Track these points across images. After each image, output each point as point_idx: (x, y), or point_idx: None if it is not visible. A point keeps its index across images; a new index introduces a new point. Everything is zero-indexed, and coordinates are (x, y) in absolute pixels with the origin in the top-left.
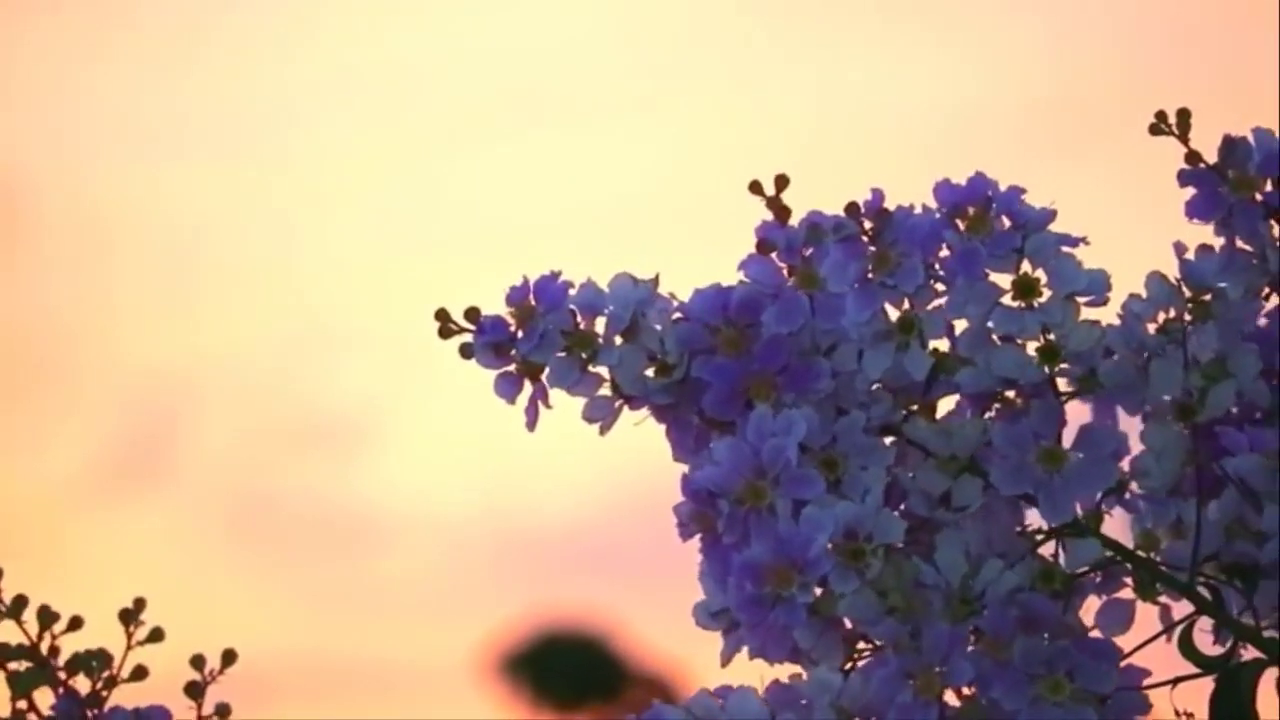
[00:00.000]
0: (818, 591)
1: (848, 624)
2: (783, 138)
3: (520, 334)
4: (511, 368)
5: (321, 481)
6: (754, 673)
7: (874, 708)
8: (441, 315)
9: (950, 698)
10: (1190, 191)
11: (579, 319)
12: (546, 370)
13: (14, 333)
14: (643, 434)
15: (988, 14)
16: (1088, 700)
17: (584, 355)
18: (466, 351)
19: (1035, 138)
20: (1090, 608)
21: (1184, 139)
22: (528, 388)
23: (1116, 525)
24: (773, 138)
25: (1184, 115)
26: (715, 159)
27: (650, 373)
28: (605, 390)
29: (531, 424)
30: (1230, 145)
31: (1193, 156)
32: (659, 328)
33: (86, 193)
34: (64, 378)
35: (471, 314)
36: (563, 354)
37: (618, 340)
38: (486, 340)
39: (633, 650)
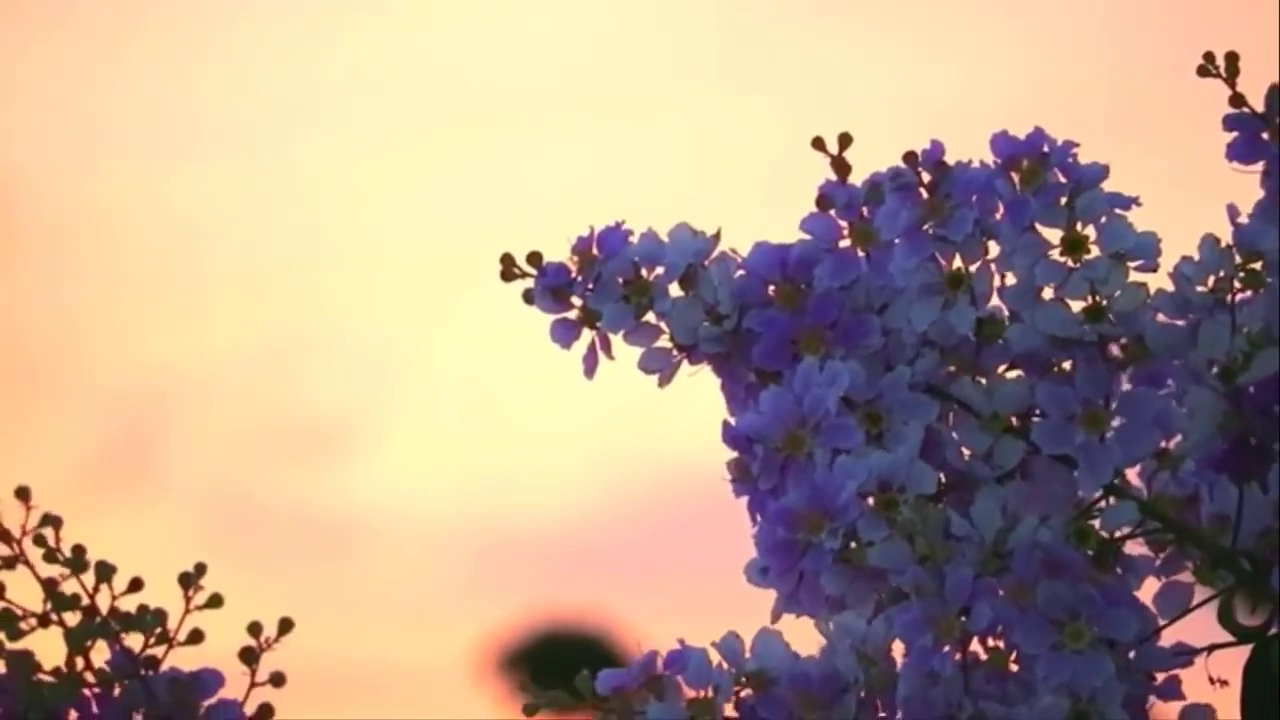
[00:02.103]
0: (850, 540)
1: (882, 577)
2: (788, 137)
3: (580, 279)
4: (571, 314)
5: (311, 485)
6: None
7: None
8: (506, 259)
9: (979, 651)
10: (1233, 135)
11: (641, 268)
12: (603, 317)
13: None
14: (638, 434)
15: (992, 12)
16: (1109, 650)
17: (641, 303)
18: (528, 296)
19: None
20: (1149, 591)
21: (1231, 82)
22: (585, 336)
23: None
24: (779, 137)
25: (1232, 59)
26: (717, 159)
27: (706, 324)
28: (663, 342)
29: (590, 371)
30: (1275, 94)
31: (1237, 99)
32: (717, 281)
33: (71, 196)
34: (51, 382)
35: (534, 259)
36: (619, 300)
37: (674, 289)
38: (546, 284)
39: (632, 649)
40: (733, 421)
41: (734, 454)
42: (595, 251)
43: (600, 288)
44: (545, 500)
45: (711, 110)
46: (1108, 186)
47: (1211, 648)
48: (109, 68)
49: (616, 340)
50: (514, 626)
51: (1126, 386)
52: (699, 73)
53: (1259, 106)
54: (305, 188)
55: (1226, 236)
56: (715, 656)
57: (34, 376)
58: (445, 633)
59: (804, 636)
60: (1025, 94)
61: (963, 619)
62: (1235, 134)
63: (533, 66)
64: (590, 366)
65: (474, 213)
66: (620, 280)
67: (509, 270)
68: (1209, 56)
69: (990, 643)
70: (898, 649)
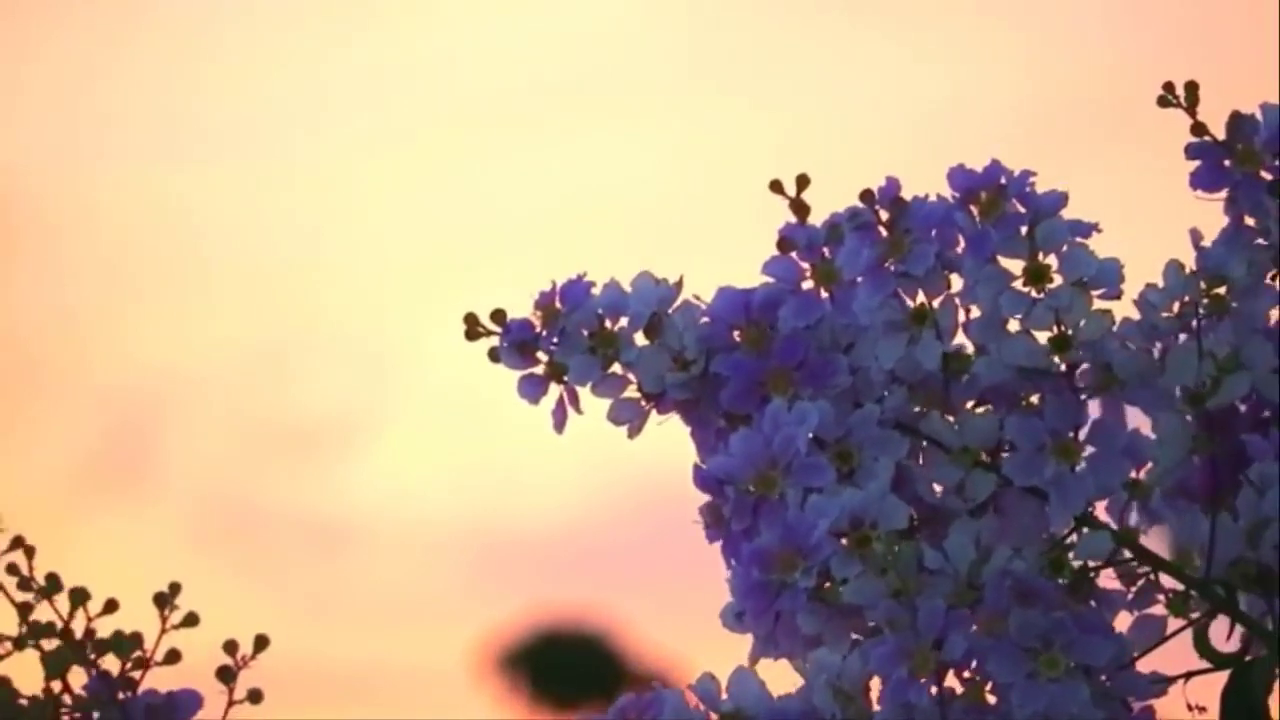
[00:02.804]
0: (823, 579)
1: (857, 614)
2: (790, 139)
3: (544, 334)
4: (537, 369)
5: (310, 485)
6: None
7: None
8: (469, 319)
9: (955, 684)
10: (1196, 164)
11: (604, 319)
12: (569, 370)
13: None
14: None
15: (983, 16)
16: (1084, 677)
17: (606, 354)
18: (494, 355)
19: (1046, 137)
20: (1123, 623)
21: (1191, 111)
22: (554, 390)
23: (1152, 544)
24: (782, 138)
25: (1192, 88)
26: (722, 159)
27: (672, 371)
28: (631, 392)
29: (559, 426)
30: (1237, 120)
31: (1199, 128)
32: (682, 328)
33: (65, 196)
34: (47, 381)
35: (498, 316)
36: (586, 353)
37: (639, 338)
38: (512, 341)
39: (630, 648)
40: (703, 466)
41: (705, 499)
42: (558, 304)
43: (565, 341)
44: (544, 500)
45: (705, 112)
46: (1100, 194)
47: (1188, 675)
48: (108, 68)
49: (584, 392)
50: (513, 627)
51: (1096, 414)
52: (696, 74)
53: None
54: (301, 188)
55: (1189, 260)
56: (692, 698)
57: (30, 376)
58: (444, 633)
59: (783, 678)
60: (1013, 98)
61: (937, 651)
62: (1198, 163)
63: (531, 68)
64: (560, 421)
65: (472, 213)
66: (585, 332)
67: (473, 329)
68: (1168, 87)
69: (966, 674)
70: (875, 684)
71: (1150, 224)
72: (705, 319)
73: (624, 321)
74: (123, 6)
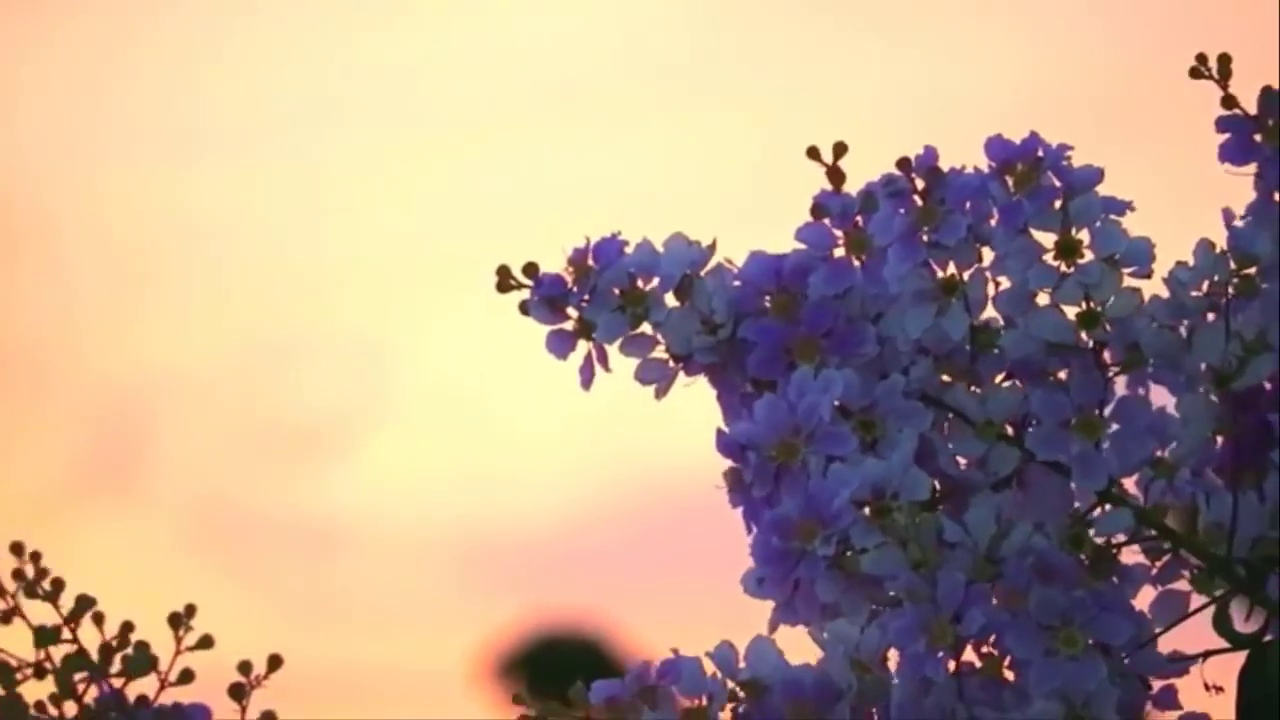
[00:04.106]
0: (841, 548)
1: (876, 584)
2: (783, 140)
3: (575, 290)
4: (567, 325)
5: (306, 489)
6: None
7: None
8: (502, 271)
9: (974, 658)
10: (1225, 137)
11: (636, 279)
12: (598, 327)
13: None
14: (627, 436)
15: (983, 13)
16: (1102, 655)
17: (635, 314)
18: (524, 308)
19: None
20: (1145, 599)
21: (1223, 84)
22: (581, 347)
23: (1179, 521)
24: (775, 139)
25: (1224, 60)
26: (708, 163)
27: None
28: (659, 352)
29: (586, 383)
30: (1269, 95)
31: (1229, 100)
32: (712, 291)
33: (59, 199)
34: (41, 384)
35: (530, 269)
36: (615, 311)
37: (669, 299)
38: (542, 295)
39: (627, 651)
40: (727, 430)
41: (729, 464)
42: (590, 262)
43: (596, 298)
44: (540, 503)
45: (697, 114)
46: (1102, 190)
47: (1207, 654)
48: (108, 69)
49: (613, 352)
50: (511, 631)
51: (1123, 392)
52: (689, 76)
53: (1251, 108)
54: (296, 190)
55: (1221, 241)
56: (709, 666)
57: (27, 376)
58: (441, 636)
59: (802, 647)
60: (1017, 97)
61: (956, 625)
62: (1227, 135)
63: (525, 71)
64: (587, 378)
65: (464, 215)
66: (616, 291)
67: (504, 281)
68: (1201, 58)
69: (984, 649)
70: (892, 657)
71: (1152, 224)
72: (736, 283)
73: (655, 282)
74: (122, 7)
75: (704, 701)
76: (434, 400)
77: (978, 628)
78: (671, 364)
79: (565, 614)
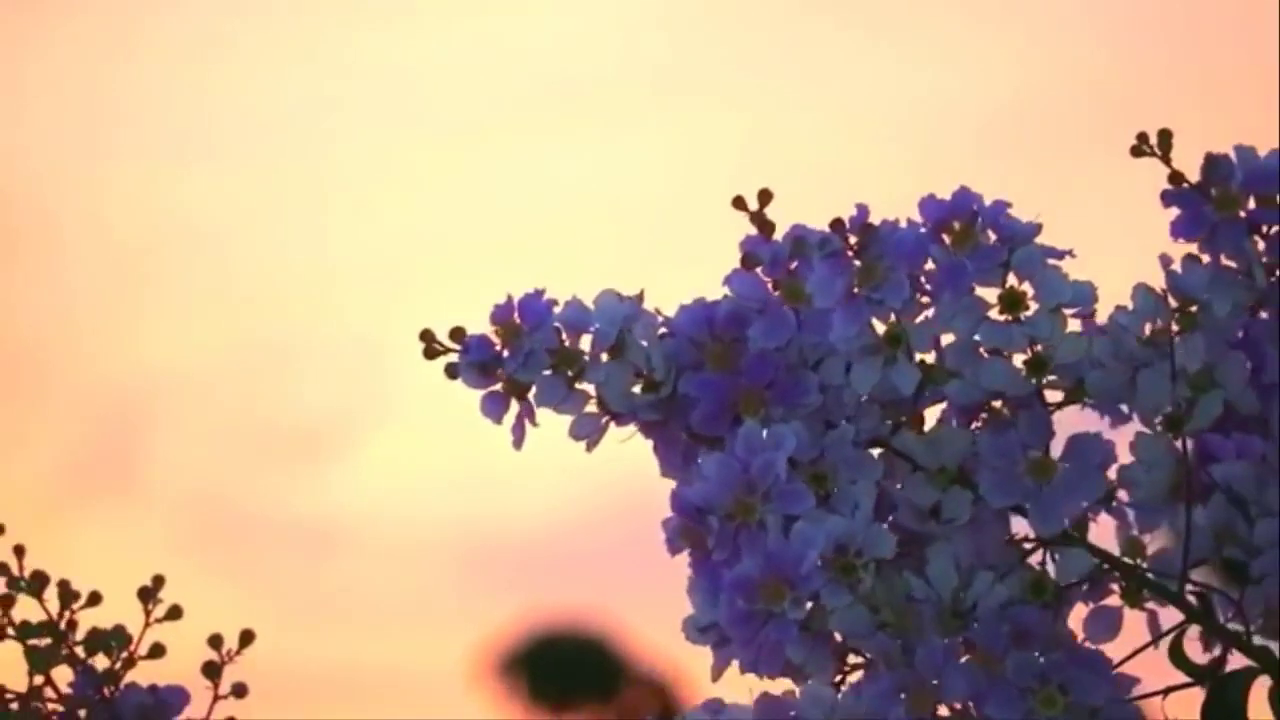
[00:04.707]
0: (809, 607)
1: (838, 638)
2: (768, 146)
3: (506, 353)
4: (498, 387)
5: (306, 490)
6: (744, 684)
7: None
8: (426, 336)
9: (944, 712)
10: (1175, 212)
11: (564, 337)
12: (533, 389)
13: None
14: (627, 435)
15: (974, 17)
16: (1081, 713)
17: (570, 373)
18: (452, 371)
19: (1025, 139)
20: (1078, 616)
21: (1166, 159)
22: (514, 406)
23: (1102, 531)
24: (774, 141)
25: (1165, 136)
26: (703, 164)
27: (637, 389)
28: (591, 407)
29: (518, 442)
30: (1213, 163)
31: (1176, 177)
32: (645, 344)
33: (56, 200)
34: (38, 384)
35: (456, 334)
36: (549, 372)
37: (604, 358)
38: (472, 360)
39: (628, 650)
40: (679, 490)
41: (669, 515)
42: (518, 321)
43: (528, 360)
44: (538, 503)
45: (685, 116)
46: (1094, 188)
47: (1168, 690)
48: (109, 70)
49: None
50: (510, 631)
51: (1071, 429)
52: (677, 79)
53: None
54: (296, 191)
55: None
56: None
57: (24, 375)
58: (440, 636)
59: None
60: (1008, 98)
61: (934, 688)
62: (1177, 212)
63: (524, 71)
64: (519, 437)
65: (464, 215)
66: (547, 351)
67: (430, 347)
68: (1142, 136)
69: (957, 706)
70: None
71: (1137, 221)
72: (664, 330)
73: (585, 340)
74: (123, 7)
75: None
76: (434, 400)
77: (960, 693)
78: (604, 419)
79: (565, 614)
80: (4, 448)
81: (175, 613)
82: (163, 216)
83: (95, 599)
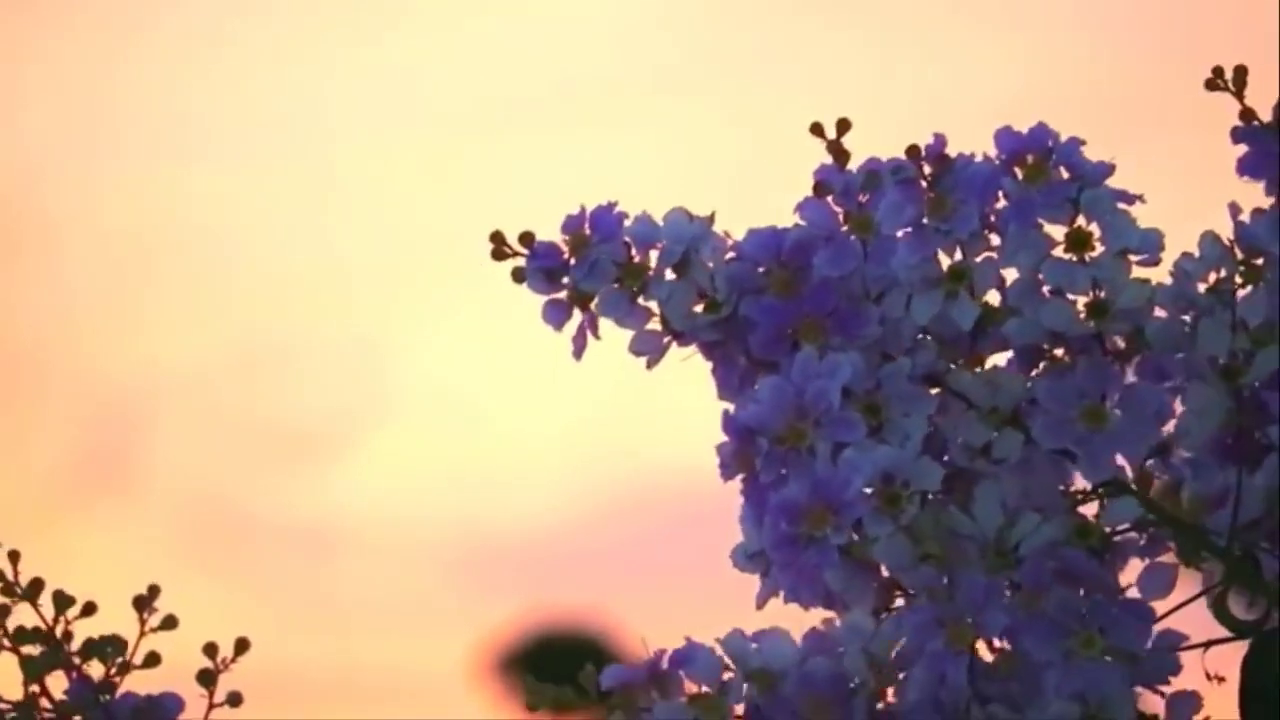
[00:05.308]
0: (852, 535)
1: (883, 571)
2: (784, 142)
3: (573, 261)
4: (562, 295)
5: (298, 490)
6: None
7: (906, 655)
8: (496, 238)
9: (984, 653)
10: (1243, 149)
11: (633, 251)
12: (596, 300)
13: None
14: (622, 437)
15: (982, 20)
16: (1120, 657)
17: (634, 287)
18: (519, 275)
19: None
20: (1133, 571)
21: (1239, 95)
22: (576, 316)
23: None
24: (775, 141)
25: (1240, 72)
26: (703, 164)
27: (699, 309)
28: (654, 325)
29: (579, 352)
30: None
31: (1247, 113)
32: (712, 265)
33: (55, 201)
34: (29, 388)
35: (526, 238)
36: (613, 284)
37: (669, 274)
38: (539, 265)
39: (626, 650)
40: (732, 411)
41: (724, 440)
42: (587, 231)
43: (594, 270)
44: (537, 503)
45: (703, 115)
46: (1112, 182)
47: (1209, 643)
48: (108, 68)
49: (605, 324)
50: (510, 631)
51: (1129, 379)
52: (689, 77)
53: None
54: (296, 191)
55: (1226, 233)
56: (721, 653)
57: (23, 378)
58: (441, 638)
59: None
60: (1011, 96)
61: (973, 623)
62: (1245, 149)
63: (524, 71)
64: (579, 347)
65: (464, 215)
66: (614, 263)
67: (499, 249)
68: (1218, 70)
69: (997, 644)
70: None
71: (1150, 223)
72: (731, 255)
73: (653, 255)
74: (122, 7)
75: (716, 690)
76: (434, 400)
77: (999, 629)
78: (666, 337)
79: (565, 613)
80: (3, 448)
81: (170, 622)
82: (164, 216)
83: (90, 609)
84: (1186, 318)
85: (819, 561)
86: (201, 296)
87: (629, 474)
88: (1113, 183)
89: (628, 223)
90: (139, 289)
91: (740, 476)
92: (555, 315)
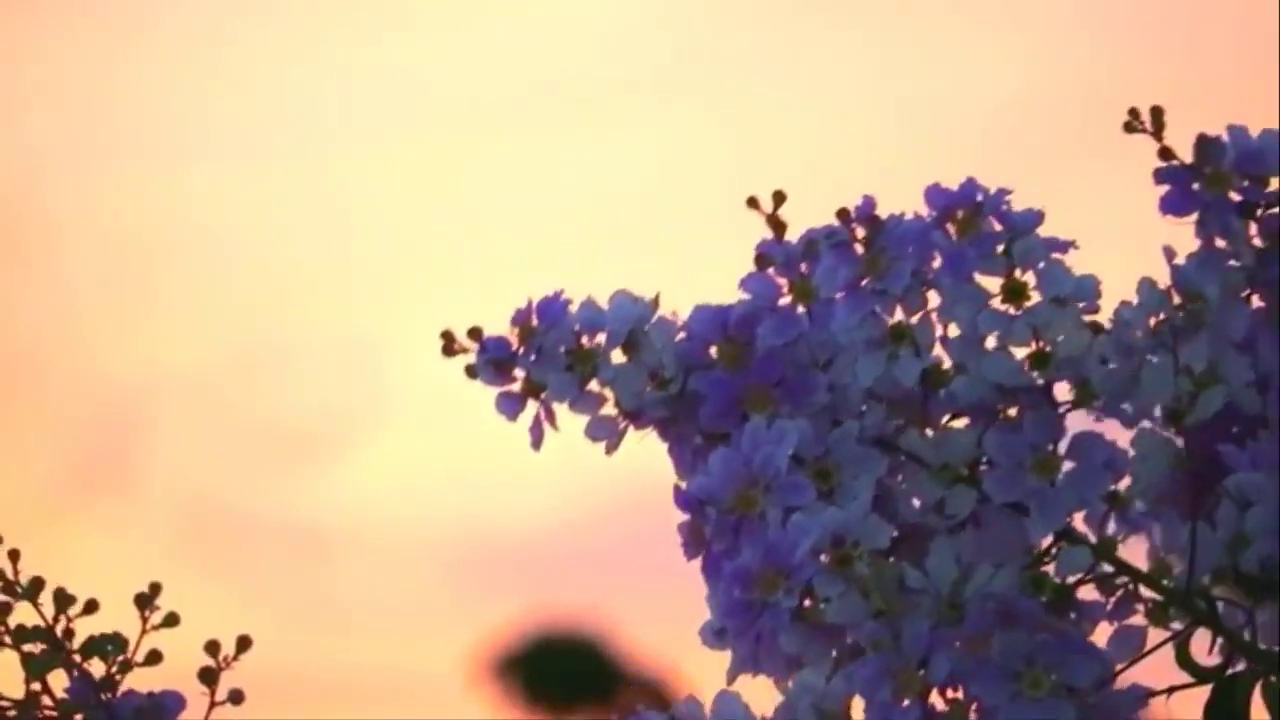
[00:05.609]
0: (805, 599)
1: (847, 636)
2: (783, 143)
3: (522, 351)
4: (514, 386)
5: (298, 491)
6: (758, 686)
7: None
8: (446, 336)
9: (938, 702)
10: (1164, 189)
11: (581, 337)
12: (547, 388)
13: None
14: (625, 435)
15: (982, 20)
16: (1069, 696)
17: (584, 372)
18: (471, 371)
19: (1025, 140)
20: (1102, 635)
21: (1158, 136)
22: (531, 407)
23: (1130, 553)
24: (774, 142)
25: (1158, 113)
26: (703, 164)
27: (649, 388)
28: (608, 409)
29: (536, 443)
30: (1204, 143)
31: (1166, 153)
32: (659, 345)
33: (55, 201)
34: (29, 388)
35: (475, 333)
36: (563, 371)
37: (617, 356)
38: (488, 358)
39: (625, 651)
40: (683, 485)
41: (684, 518)
42: (534, 322)
43: (543, 358)
44: (536, 503)
45: (690, 116)
46: (1088, 195)
47: (1171, 689)
48: (108, 70)
49: (561, 409)
50: (509, 631)
51: (1075, 428)
52: (679, 78)
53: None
54: (295, 191)
55: (1161, 276)
56: None
57: (23, 378)
58: (440, 638)
59: (763, 698)
60: (1002, 98)
61: (921, 672)
62: (1166, 188)
63: (524, 71)
64: (537, 438)
65: (457, 216)
66: (562, 350)
67: (449, 346)
68: (1134, 112)
69: (949, 694)
70: (857, 705)
71: (1133, 221)
72: (682, 335)
73: (601, 339)
74: (122, 7)
75: None
76: (434, 400)
77: (944, 675)
78: (621, 420)
79: (564, 614)
80: (3, 448)
81: (172, 620)
82: (164, 217)
83: (91, 607)
84: (1128, 365)
85: (772, 625)
86: (201, 296)
87: (628, 475)
88: (1112, 183)
89: (573, 309)
90: (139, 289)
91: (701, 556)
92: (509, 407)
